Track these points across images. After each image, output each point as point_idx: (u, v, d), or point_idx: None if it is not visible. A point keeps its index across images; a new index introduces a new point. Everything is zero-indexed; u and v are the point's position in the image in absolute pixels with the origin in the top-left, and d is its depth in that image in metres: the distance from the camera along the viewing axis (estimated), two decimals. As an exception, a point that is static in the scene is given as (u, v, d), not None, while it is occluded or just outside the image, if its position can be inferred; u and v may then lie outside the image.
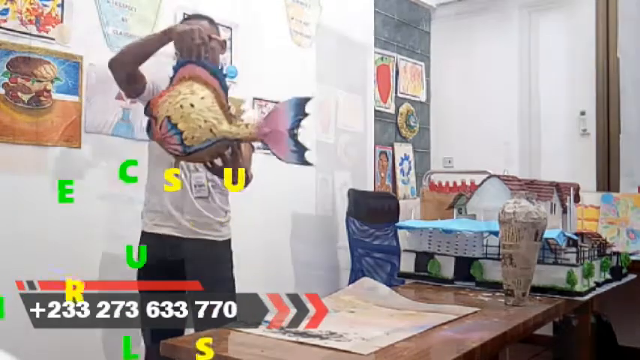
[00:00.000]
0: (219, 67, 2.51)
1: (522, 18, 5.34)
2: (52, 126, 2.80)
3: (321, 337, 1.64)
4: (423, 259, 2.65)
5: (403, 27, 5.47)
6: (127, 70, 2.32)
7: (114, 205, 3.00)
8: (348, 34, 4.63)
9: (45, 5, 2.79)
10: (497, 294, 2.34)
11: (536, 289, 2.30)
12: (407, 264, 2.72)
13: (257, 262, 4.08)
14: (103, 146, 2.98)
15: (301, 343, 1.60)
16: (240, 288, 3.51)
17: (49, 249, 2.76)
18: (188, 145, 1.74)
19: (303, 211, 4.43)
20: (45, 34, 2.80)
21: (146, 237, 2.46)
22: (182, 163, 2.33)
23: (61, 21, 2.84)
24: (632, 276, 2.96)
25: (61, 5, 2.84)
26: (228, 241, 2.57)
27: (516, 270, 2.16)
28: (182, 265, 2.41)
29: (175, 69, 1.82)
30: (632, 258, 3.10)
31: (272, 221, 4.20)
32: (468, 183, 4.62)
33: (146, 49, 2.27)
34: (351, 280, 3.93)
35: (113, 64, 2.32)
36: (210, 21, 2.48)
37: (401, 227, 3.00)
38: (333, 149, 4.49)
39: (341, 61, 4.47)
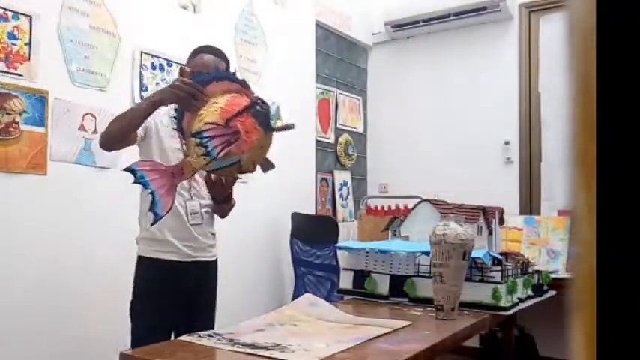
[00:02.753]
0: None
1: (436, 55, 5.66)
2: (20, 154, 2.90)
3: (267, 348, 1.69)
4: (361, 276, 2.72)
5: (343, 64, 5.63)
6: (117, 148, 2.39)
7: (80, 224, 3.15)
8: (292, 70, 4.73)
9: (14, 44, 2.89)
10: (429, 309, 2.40)
11: (464, 305, 2.36)
12: (346, 281, 2.79)
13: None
14: (68, 173, 3.08)
15: (249, 354, 1.64)
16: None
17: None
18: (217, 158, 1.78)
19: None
20: (14, 71, 2.89)
21: (144, 261, 2.51)
22: (180, 190, 2.35)
23: (29, 59, 2.95)
24: (552, 292, 3.07)
25: (29, 44, 2.94)
26: (216, 261, 2.68)
27: (446, 287, 2.23)
28: (182, 285, 2.51)
29: (204, 81, 1.90)
30: (552, 275, 3.14)
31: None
32: (401, 207, 4.81)
33: (133, 122, 2.27)
34: (295, 296, 3.98)
35: (104, 147, 2.37)
36: (216, 53, 2.57)
37: (340, 248, 3.06)
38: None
39: (285, 96, 4.63)
